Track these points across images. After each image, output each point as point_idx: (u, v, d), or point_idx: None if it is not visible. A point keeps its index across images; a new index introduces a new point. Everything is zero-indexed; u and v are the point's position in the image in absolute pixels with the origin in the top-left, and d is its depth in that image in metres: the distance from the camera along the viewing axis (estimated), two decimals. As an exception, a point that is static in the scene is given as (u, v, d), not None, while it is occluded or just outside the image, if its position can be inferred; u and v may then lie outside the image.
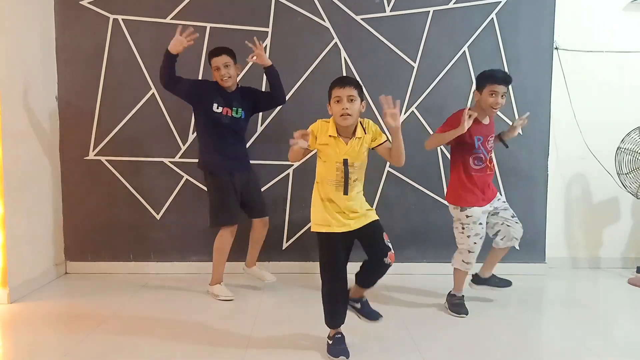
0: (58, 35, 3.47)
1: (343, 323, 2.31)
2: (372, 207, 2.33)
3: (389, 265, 2.23)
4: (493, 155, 2.89)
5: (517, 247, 2.97)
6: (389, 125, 2.13)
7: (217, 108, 2.97)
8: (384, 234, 2.25)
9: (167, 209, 3.58)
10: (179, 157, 3.54)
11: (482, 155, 2.80)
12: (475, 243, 2.79)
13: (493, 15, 3.57)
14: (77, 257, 3.58)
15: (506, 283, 3.03)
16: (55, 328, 2.62)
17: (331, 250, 2.24)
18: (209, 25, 3.50)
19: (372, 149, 2.29)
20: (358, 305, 2.38)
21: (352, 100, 2.18)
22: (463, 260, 2.83)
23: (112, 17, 3.49)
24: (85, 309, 2.88)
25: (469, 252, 2.81)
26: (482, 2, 3.57)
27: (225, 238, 3.05)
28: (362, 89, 2.25)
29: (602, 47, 3.72)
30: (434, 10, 3.56)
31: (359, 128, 2.26)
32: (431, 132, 3.61)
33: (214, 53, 2.99)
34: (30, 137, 3.20)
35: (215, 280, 3.10)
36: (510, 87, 3.55)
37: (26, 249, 3.14)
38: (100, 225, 3.57)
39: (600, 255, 3.88)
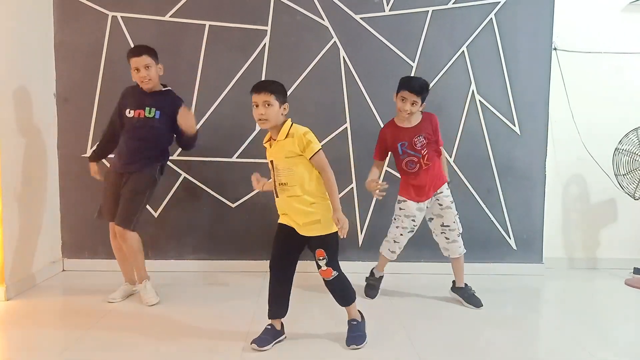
0: (56, 32, 3.47)
1: (280, 317, 2.37)
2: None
3: (327, 281, 2.32)
4: (427, 152, 2.86)
5: (448, 255, 2.96)
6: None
7: (129, 112, 2.82)
8: (319, 250, 2.27)
9: (164, 207, 3.57)
10: (177, 155, 3.53)
11: (413, 157, 2.86)
12: (401, 235, 2.94)
13: (492, 15, 3.58)
14: (75, 255, 3.58)
15: (476, 302, 2.91)
16: (52, 325, 2.62)
17: (275, 243, 2.37)
18: (207, 23, 3.49)
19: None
20: (347, 326, 2.41)
21: (268, 105, 2.21)
22: (389, 249, 2.99)
23: (110, 14, 3.48)
24: (82, 306, 2.87)
25: (394, 242, 2.96)
26: (481, 2, 3.57)
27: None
28: (280, 92, 2.26)
29: (600, 48, 3.72)
30: (433, 10, 3.56)
31: (283, 132, 2.26)
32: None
33: (133, 52, 2.79)
34: (28, 134, 3.19)
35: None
36: (508, 87, 3.60)
37: (23, 246, 3.14)
38: (98, 222, 3.56)
39: (597, 256, 3.89)
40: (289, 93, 3.49)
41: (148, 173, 2.86)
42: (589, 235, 3.89)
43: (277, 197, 2.31)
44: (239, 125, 3.46)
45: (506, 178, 3.65)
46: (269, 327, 2.36)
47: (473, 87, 3.61)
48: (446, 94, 3.56)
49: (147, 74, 2.78)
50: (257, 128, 3.56)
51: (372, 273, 3.11)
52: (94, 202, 3.52)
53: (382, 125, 3.58)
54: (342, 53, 3.56)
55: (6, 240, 2.94)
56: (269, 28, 3.53)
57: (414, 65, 3.58)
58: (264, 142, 2.38)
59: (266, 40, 3.53)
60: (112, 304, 2.88)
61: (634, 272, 3.61)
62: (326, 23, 3.54)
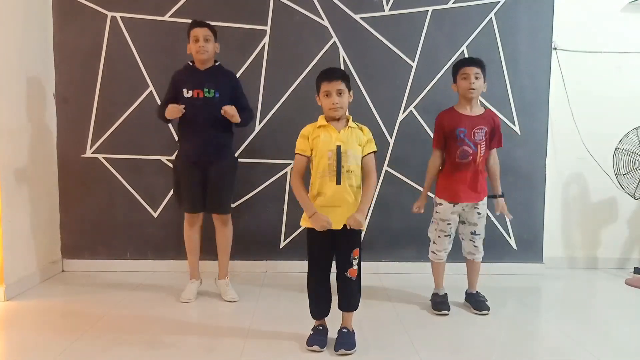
0: (55, 33, 3.47)
1: (326, 315, 2.38)
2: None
3: (351, 280, 2.27)
4: (483, 152, 2.77)
5: (472, 259, 2.91)
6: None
7: (187, 93, 2.83)
8: (356, 249, 2.27)
9: (164, 207, 3.58)
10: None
11: (468, 148, 2.74)
12: (439, 237, 2.86)
13: (492, 15, 3.57)
14: (74, 255, 3.58)
15: (482, 307, 2.85)
16: (51, 326, 2.61)
17: (315, 246, 2.31)
18: (207, 23, 3.49)
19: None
20: (337, 335, 2.36)
21: (340, 93, 2.23)
22: (431, 250, 2.91)
23: (110, 14, 3.48)
24: (81, 306, 2.87)
25: (434, 242, 2.89)
26: (481, 1, 3.57)
27: (185, 227, 3.01)
28: (348, 80, 2.29)
29: (600, 47, 3.72)
30: (432, 10, 3.56)
31: (352, 122, 2.30)
32: (429, 132, 3.61)
33: (196, 23, 2.86)
34: (27, 135, 3.19)
35: (189, 274, 3.08)
36: (508, 87, 3.60)
37: (23, 246, 3.14)
38: (97, 222, 3.57)
39: (597, 256, 3.89)
40: (288, 93, 3.54)
41: (228, 157, 2.99)
42: (589, 235, 3.89)
43: (339, 184, 2.21)
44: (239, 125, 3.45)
45: (506, 178, 3.61)
46: (320, 327, 2.37)
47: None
48: (446, 94, 3.53)
49: (205, 44, 2.81)
50: (257, 128, 3.56)
51: (434, 294, 2.94)
52: (93, 202, 3.55)
53: (381, 126, 3.59)
54: (342, 53, 3.56)
55: (6, 240, 2.94)
56: (268, 28, 3.53)
57: (414, 64, 3.58)
58: (317, 126, 2.29)
59: (266, 40, 3.53)
60: (113, 305, 2.88)
61: (634, 272, 3.61)
62: (326, 23, 3.54)
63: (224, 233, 3.05)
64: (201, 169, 2.91)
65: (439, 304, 2.86)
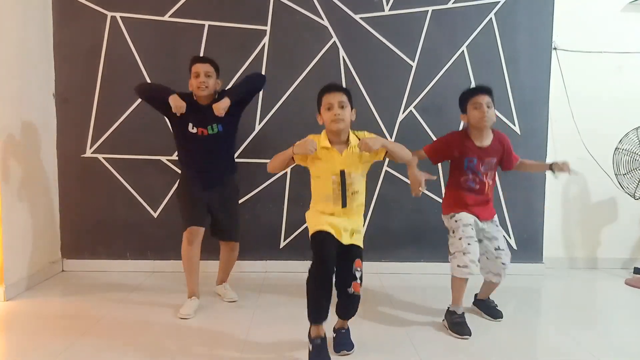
0: (56, 33, 3.47)
1: (325, 319, 2.23)
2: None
3: (354, 295, 2.19)
4: (491, 179, 2.71)
5: (497, 282, 2.75)
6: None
7: (192, 128, 2.82)
8: (357, 260, 2.21)
9: (164, 207, 3.58)
10: (175, 155, 3.52)
11: (474, 177, 2.66)
12: (469, 244, 2.54)
13: (492, 15, 3.57)
14: (74, 255, 3.58)
15: (496, 314, 2.76)
16: (51, 326, 2.61)
17: (322, 244, 2.17)
18: (207, 23, 3.49)
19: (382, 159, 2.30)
20: (334, 335, 2.33)
21: (342, 106, 2.18)
22: (458, 265, 2.55)
23: (110, 14, 3.48)
24: (81, 307, 2.87)
25: (464, 254, 2.54)
26: (481, 2, 3.57)
27: (184, 246, 2.87)
28: (351, 96, 2.25)
29: (600, 47, 3.72)
30: (432, 10, 3.56)
31: (353, 137, 2.24)
32: (429, 132, 3.61)
33: (198, 59, 2.85)
34: (27, 135, 3.19)
35: (188, 292, 2.89)
36: (508, 87, 3.60)
37: (23, 246, 3.13)
38: (97, 222, 3.57)
39: (597, 256, 3.89)
40: (288, 93, 3.54)
41: (233, 185, 3.04)
42: (589, 235, 3.89)
43: (345, 207, 2.18)
44: (239, 125, 3.45)
45: (506, 178, 3.63)
46: (319, 341, 2.20)
47: (473, 86, 3.60)
48: (446, 94, 3.55)
49: (206, 80, 2.78)
50: (257, 128, 3.56)
51: (451, 312, 2.63)
52: (93, 202, 3.55)
53: (381, 125, 3.58)
54: (342, 53, 3.56)
55: (6, 240, 2.94)
56: (268, 28, 3.52)
57: (414, 65, 3.58)
58: (320, 146, 2.19)
59: (266, 40, 3.53)
60: (113, 305, 2.88)
61: (634, 272, 3.61)
62: (326, 23, 3.54)
63: (230, 258, 3.11)
64: (207, 192, 2.89)
65: (459, 325, 2.56)
